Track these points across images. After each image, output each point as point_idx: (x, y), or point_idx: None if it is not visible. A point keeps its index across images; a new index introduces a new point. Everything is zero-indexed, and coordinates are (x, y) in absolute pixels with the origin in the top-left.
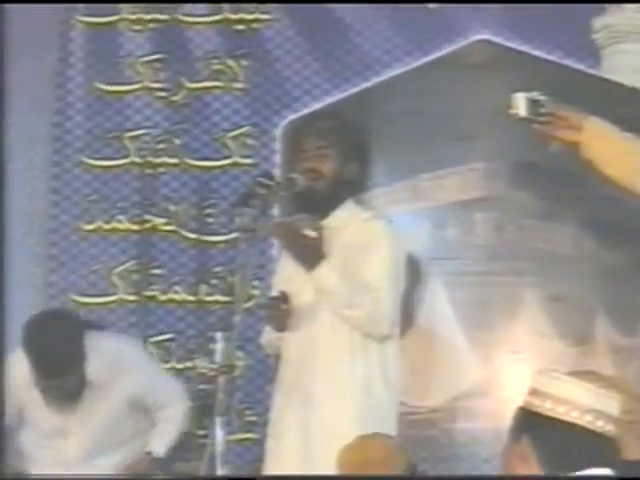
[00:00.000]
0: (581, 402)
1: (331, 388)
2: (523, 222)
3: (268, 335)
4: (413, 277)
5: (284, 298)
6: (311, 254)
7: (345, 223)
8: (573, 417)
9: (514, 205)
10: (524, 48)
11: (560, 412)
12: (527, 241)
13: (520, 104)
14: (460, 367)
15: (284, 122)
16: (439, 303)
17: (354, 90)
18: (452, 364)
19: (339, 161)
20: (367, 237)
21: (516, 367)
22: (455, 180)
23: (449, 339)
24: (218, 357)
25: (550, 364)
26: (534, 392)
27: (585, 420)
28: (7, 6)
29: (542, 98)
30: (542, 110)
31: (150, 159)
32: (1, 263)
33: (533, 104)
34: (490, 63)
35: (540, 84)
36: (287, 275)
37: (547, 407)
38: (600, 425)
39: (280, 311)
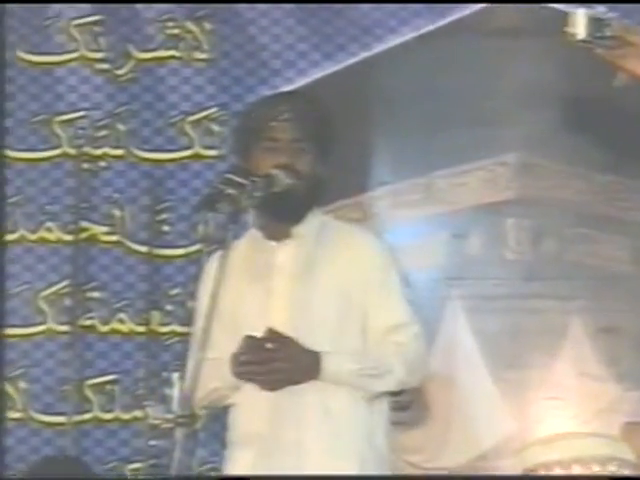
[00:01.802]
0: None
1: (326, 439)
2: (566, 231)
3: (212, 383)
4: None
5: (272, 337)
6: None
7: (319, 232)
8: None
9: (555, 209)
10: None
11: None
12: (572, 255)
13: (579, 23)
14: (486, 418)
15: None
16: (459, 336)
17: (350, 61)
18: (475, 414)
19: (315, 157)
20: (363, 264)
21: (556, 417)
22: (479, 177)
23: (471, 382)
24: (175, 405)
25: (601, 413)
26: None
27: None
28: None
29: (608, 16)
30: (607, 32)
31: (88, 150)
32: None
33: (596, 24)
34: (521, 27)
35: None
36: (242, 297)
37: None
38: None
39: (264, 356)
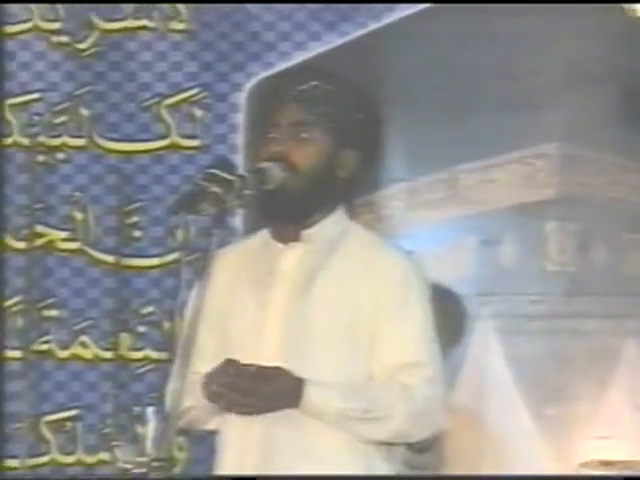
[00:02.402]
0: None
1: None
2: (619, 237)
3: (187, 401)
4: (452, 327)
5: (259, 372)
6: None
7: (338, 240)
8: None
9: (605, 210)
10: None
11: None
12: (626, 266)
13: None
14: (522, 462)
15: (250, 83)
16: (490, 362)
17: (357, 34)
18: (510, 457)
19: (326, 147)
20: (378, 281)
21: (607, 460)
22: (513, 172)
23: (505, 418)
24: (149, 445)
25: None
26: None
27: None
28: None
29: None
30: None
31: (43, 140)
32: None
33: None
34: None
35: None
36: (230, 310)
37: None
38: None
39: (244, 386)
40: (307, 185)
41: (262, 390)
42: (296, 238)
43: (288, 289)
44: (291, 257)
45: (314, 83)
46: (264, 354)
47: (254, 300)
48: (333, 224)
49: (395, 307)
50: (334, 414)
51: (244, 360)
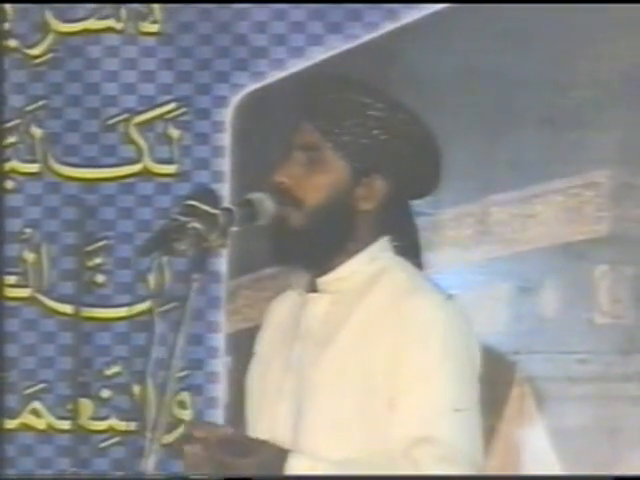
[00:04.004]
0: None
1: None
2: None
3: None
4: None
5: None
6: None
7: (369, 285)
8: None
9: None
10: None
11: None
12: None
13: None
14: None
15: (238, 96)
16: (528, 434)
17: (367, 37)
18: None
19: (343, 175)
20: (402, 337)
21: None
22: (556, 205)
23: None
24: None
25: None
26: None
27: None
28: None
29: None
30: None
31: None
32: None
33: None
34: None
35: None
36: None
37: None
38: None
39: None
40: (314, 222)
41: (239, 462)
42: (314, 287)
43: (309, 350)
44: (315, 310)
45: (331, 96)
46: (277, 426)
47: (278, 360)
48: (360, 266)
49: (419, 369)
50: None
51: (258, 431)
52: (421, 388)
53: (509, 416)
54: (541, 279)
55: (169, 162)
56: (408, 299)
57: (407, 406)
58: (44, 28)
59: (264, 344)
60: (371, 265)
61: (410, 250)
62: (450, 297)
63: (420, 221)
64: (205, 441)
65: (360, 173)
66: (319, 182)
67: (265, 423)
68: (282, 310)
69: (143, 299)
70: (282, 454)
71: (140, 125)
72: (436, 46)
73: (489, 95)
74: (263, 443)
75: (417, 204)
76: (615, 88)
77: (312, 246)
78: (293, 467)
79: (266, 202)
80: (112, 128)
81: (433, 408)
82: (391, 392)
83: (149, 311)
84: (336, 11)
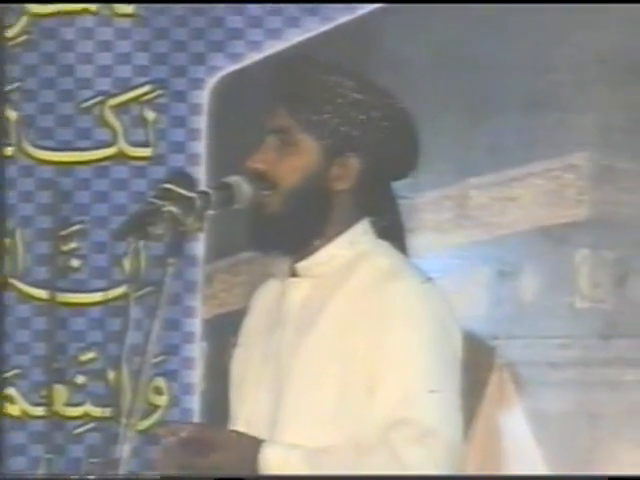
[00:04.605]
0: None
1: None
2: None
3: None
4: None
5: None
6: None
7: (351, 268)
8: None
9: None
10: None
11: None
12: None
13: None
14: None
15: (215, 78)
16: (507, 420)
17: (346, 18)
18: None
19: (317, 156)
20: (381, 321)
21: None
22: (535, 188)
23: None
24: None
25: None
26: None
27: None
28: None
29: None
30: None
31: None
32: None
33: None
34: None
35: None
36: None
37: None
38: None
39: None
40: (291, 206)
41: (207, 460)
42: (293, 272)
43: (288, 336)
44: (295, 294)
45: (301, 78)
46: (256, 416)
47: (259, 348)
48: (340, 250)
49: (397, 352)
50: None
51: (239, 421)
52: (398, 371)
53: (488, 402)
54: (521, 263)
55: (145, 145)
56: (388, 283)
57: (384, 390)
58: (18, 10)
59: (247, 333)
60: (351, 249)
61: (392, 231)
62: (429, 280)
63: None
64: (168, 442)
65: (333, 153)
66: (293, 165)
67: (245, 413)
68: (266, 297)
69: (118, 284)
70: (254, 445)
71: (115, 108)
72: (416, 28)
73: (469, 78)
74: (232, 436)
75: (395, 187)
76: (594, 70)
77: (290, 230)
78: (266, 457)
79: (243, 185)
80: (87, 111)
81: (409, 390)
82: (370, 378)
83: (124, 296)
84: None
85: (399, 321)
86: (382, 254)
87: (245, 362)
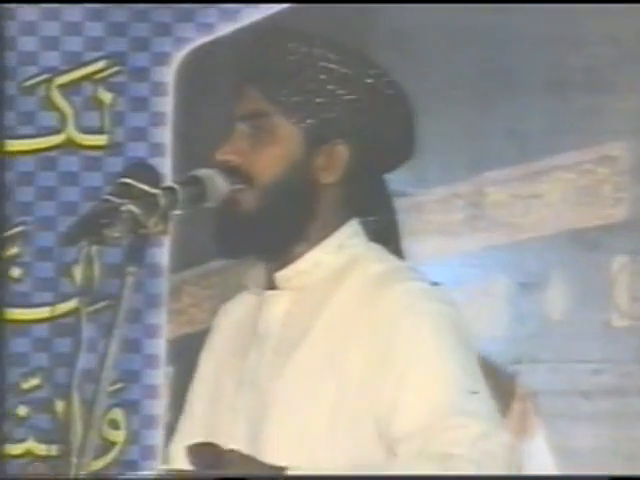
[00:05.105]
0: None
1: None
2: None
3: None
4: None
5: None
6: None
7: (339, 278)
8: None
9: None
10: None
11: None
12: None
13: None
14: None
15: (183, 52)
16: (532, 458)
17: None
18: None
19: (298, 144)
20: (390, 328)
21: None
22: (564, 184)
23: None
24: None
25: None
26: None
27: None
28: None
29: None
30: None
31: None
32: None
33: None
34: None
35: None
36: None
37: None
38: None
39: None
40: (269, 203)
41: None
42: (271, 283)
43: (267, 358)
44: (273, 310)
45: (271, 52)
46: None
47: (230, 374)
48: (326, 256)
49: (416, 364)
50: None
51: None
52: (426, 378)
53: (510, 435)
54: (547, 273)
55: (99, 132)
56: (385, 289)
57: (411, 401)
58: None
59: (213, 356)
60: (339, 254)
61: (386, 234)
62: (436, 284)
63: (399, 203)
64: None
65: (318, 140)
66: (270, 155)
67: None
68: (234, 315)
69: (68, 297)
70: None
71: (64, 87)
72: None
73: (483, 54)
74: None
75: (394, 182)
76: (634, 46)
77: (267, 232)
78: None
79: (217, 179)
80: (30, 91)
81: (446, 396)
82: (380, 398)
83: (75, 312)
84: None
85: (406, 325)
86: (376, 259)
87: (213, 392)
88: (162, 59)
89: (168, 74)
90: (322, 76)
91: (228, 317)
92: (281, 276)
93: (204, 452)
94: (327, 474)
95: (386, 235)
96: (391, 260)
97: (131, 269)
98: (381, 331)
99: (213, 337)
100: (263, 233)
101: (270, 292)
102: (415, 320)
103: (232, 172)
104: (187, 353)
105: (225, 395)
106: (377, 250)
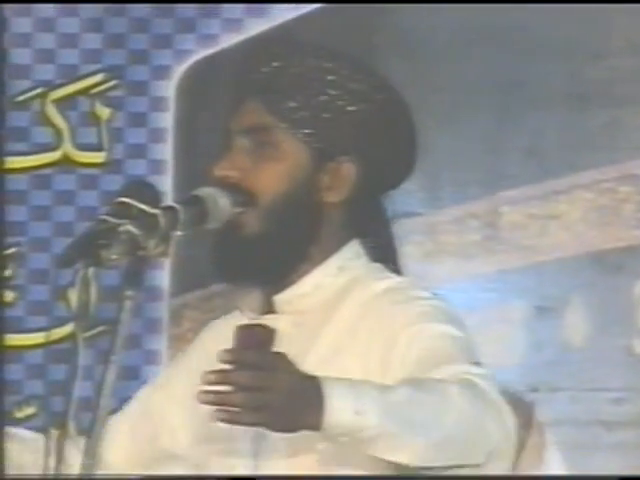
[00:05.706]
0: None
1: None
2: None
3: None
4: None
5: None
6: None
7: (338, 301)
8: None
9: None
10: None
11: None
12: None
13: None
14: None
15: (184, 65)
16: None
17: None
18: None
19: (302, 161)
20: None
21: None
22: (584, 204)
23: None
24: None
25: None
26: None
27: None
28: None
29: None
30: None
31: None
32: None
33: None
34: None
35: None
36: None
37: None
38: None
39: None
40: (271, 224)
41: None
42: (269, 308)
43: None
44: None
45: (277, 64)
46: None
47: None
48: (327, 278)
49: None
50: (367, 436)
51: None
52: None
53: (525, 469)
54: (565, 297)
55: (96, 149)
56: (389, 302)
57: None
58: None
59: (187, 363)
60: (340, 276)
61: (384, 253)
62: (443, 300)
63: (411, 224)
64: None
65: (324, 156)
66: (273, 171)
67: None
68: (222, 333)
69: (63, 322)
70: (315, 384)
71: (59, 102)
72: (431, 3)
73: (498, 64)
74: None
75: (409, 203)
76: None
77: (269, 256)
78: (334, 408)
79: (220, 199)
80: (24, 106)
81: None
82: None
83: (71, 337)
84: None
85: (408, 338)
86: (377, 278)
87: (199, 424)
88: (162, 72)
89: (168, 88)
90: (331, 91)
91: (213, 332)
92: (281, 300)
93: (254, 331)
94: (327, 474)
95: (385, 254)
96: (393, 277)
97: (130, 292)
98: (383, 345)
99: (195, 347)
100: (265, 258)
101: (268, 317)
102: (418, 333)
103: (232, 189)
104: None
105: (214, 427)
106: (378, 269)
